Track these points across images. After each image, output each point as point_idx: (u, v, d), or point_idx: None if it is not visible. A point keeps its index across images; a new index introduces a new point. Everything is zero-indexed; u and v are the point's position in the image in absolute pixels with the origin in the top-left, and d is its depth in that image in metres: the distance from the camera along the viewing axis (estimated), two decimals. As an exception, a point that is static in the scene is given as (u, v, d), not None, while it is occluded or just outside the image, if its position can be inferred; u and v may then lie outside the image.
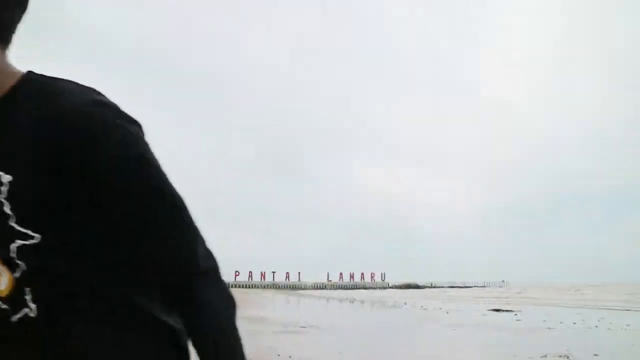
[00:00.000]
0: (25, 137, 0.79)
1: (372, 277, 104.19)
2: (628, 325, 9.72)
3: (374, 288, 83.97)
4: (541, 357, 5.94)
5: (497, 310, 14.74)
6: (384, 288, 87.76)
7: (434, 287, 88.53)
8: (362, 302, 26.02)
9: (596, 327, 9.67)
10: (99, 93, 0.85)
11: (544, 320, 11.06)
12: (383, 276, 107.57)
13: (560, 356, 5.98)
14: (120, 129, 0.81)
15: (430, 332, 9.49)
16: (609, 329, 9.26)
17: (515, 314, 13.23)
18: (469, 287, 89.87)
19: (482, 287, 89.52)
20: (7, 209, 0.78)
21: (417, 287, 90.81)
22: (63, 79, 0.84)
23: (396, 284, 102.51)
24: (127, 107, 0.86)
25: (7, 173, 0.78)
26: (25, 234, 0.80)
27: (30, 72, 0.83)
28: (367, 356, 6.35)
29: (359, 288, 77.84)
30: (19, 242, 0.79)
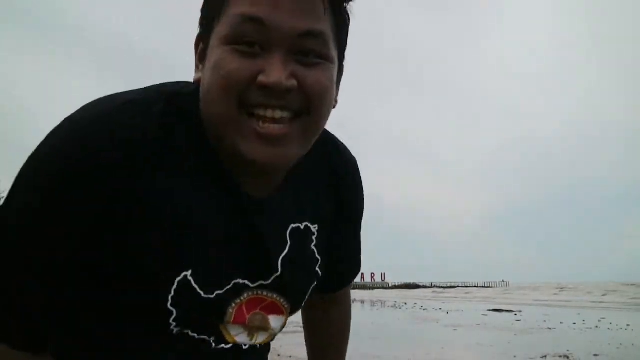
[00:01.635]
0: (324, 190, 0.95)
1: (372, 277, 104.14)
2: (628, 325, 9.72)
3: (374, 288, 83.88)
4: (541, 357, 5.93)
5: (497, 310, 14.74)
6: (384, 288, 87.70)
7: (434, 287, 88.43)
8: (362, 302, 26.02)
9: (596, 327, 9.66)
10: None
11: (544, 320, 11.06)
12: (383, 276, 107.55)
13: (560, 356, 5.98)
14: (363, 191, 1.06)
15: (431, 332, 9.49)
16: (609, 329, 9.26)
17: (515, 314, 13.23)
18: (469, 287, 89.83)
19: (482, 287, 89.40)
20: (317, 254, 0.93)
21: (417, 287, 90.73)
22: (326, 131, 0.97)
23: (396, 284, 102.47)
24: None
25: (313, 224, 0.92)
26: (318, 273, 0.94)
27: None
28: (367, 356, 6.34)
29: (359, 288, 77.75)
30: (315, 283, 0.94)
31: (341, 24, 0.79)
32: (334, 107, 0.82)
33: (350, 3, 0.80)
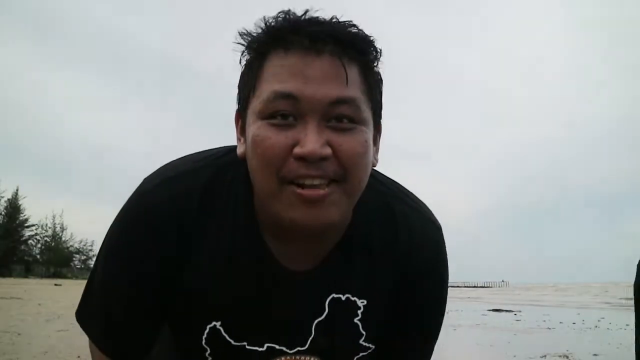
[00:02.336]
0: (386, 266, 0.92)
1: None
2: (628, 325, 9.71)
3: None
4: (541, 357, 5.94)
5: (497, 310, 14.73)
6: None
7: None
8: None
9: (596, 327, 9.67)
10: (430, 220, 0.97)
11: (544, 320, 11.07)
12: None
13: (560, 356, 5.98)
14: (443, 266, 0.96)
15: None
16: (608, 329, 9.27)
17: (515, 314, 13.23)
18: (468, 287, 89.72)
19: (482, 287, 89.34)
20: (361, 329, 0.92)
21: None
22: (400, 203, 0.94)
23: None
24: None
25: (361, 298, 0.91)
26: (367, 347, 0.94)
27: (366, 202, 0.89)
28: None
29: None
30: (361, 354, 0.95)
31: (373, 84, 0.81)
32: (374, 166, 0.85)
33: (380, 61, 0.82)
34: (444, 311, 1.01)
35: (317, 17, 0.79)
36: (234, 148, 0.89)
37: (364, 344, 0.93)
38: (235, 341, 0.89)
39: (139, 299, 0.88)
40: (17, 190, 54.87)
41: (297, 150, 0.74)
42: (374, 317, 0.92)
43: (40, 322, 7.99)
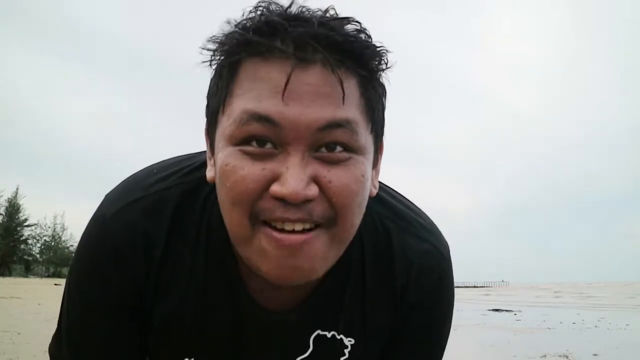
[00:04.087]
0: (380, 301, 0.80)
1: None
2: (628, 325, 9.70)
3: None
4: (540, 356, 5.93)
5: (497, 310, 14.72)
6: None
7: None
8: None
9: (596, 327, 9.66)
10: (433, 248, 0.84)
11: (544, 320, 11.05)
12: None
13: (560, 356, 5.97)
14: (446, 301, 0.85)
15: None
16: (608, 329, 9.25)
17: (515, 314, 13.22)
18: (468, 287, 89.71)
19: (482, 287, 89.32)
20: None
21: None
22: (395, 231, 0.81)
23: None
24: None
25: (348, 337, 0.80)
26: None
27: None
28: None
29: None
30: None
31: (375, 100, 0.65)
32: (372, 196, 0.71)
33: (385, 72, 0.66)
34: (446, 343, 0.89)
35: (306, 12, 0.62)
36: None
37: None
38: None
39: (110, 339, 0.78)
40: (17, 189, 54.87)
41: (276, 188, 0.59)
42: (361, 356, 0.82)
43: (40, 322, 7.98)
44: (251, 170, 0.60)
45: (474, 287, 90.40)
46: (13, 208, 54.07)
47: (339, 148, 0.61)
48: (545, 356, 5.94)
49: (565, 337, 8.00)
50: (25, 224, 55.86)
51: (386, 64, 0.65)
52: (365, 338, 0.81)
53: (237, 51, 0.61)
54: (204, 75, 0.71)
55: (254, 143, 0.61)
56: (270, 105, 0.59)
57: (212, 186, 0.72)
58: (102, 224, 0.75)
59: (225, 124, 0.63)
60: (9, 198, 53.94)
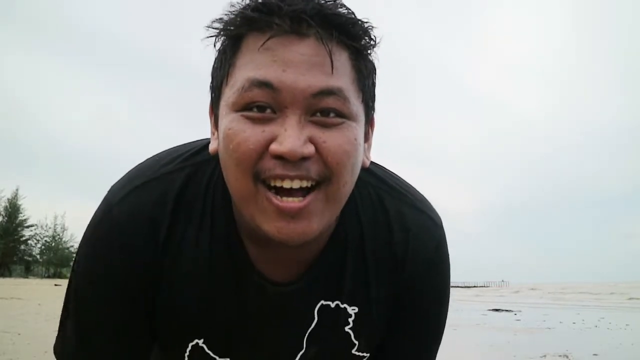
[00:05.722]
0: (379, 270, 0.83)
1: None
2: (628, 325, 9.71)
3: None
4: (541, 356, 5.93)
5: (497, 310, 14.72)
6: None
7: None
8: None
9: (596, 327, 9.66)
10: (429, 217, 0.87)
11: (544, 320, 11.05)
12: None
13: (560, 356, 5.97)
14: (443, 268, 0.87)
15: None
16: (608, 329, 9.25)
17: (515, 314, 13.22)
18: (468, 287, 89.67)
19: (482, 287, 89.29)
20: (352, 338, 0.84)
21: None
22: (392, 198, 0.85)
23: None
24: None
25: (351, 305, 0.82)
26: (360, 356, 0.86)
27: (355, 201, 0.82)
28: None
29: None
30: None
31: (365, 73, 0.71)
32: (365, 167, 0.76)
33: (375, 49, 0.72)
34: (446, 316, 0.92)
35: None
36: (208, 143, 0.80)
37: (357, 353, 0.86)
38: (220, 357, 0.83)
39: (121, 328, 0.79)
40: (17, 190, 54.86)
41: (275, 147, 0.65)
42: (366, 325, 0.84)
43: (41, 323, 7.97)
44: (252, 133, 0.66)
45: (474, 287, 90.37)
46: (13, 208, 54.08)
47: (332, 114, 0.67)
48: (545, 356, 5.94)
49: (565, 337, 8.00)
50: (26, 224, 55.90)
51: (374, 40, 0.71)
52: (369, 306, 0.83)
53: (239, 27, 0.68)
54: (204, 74, 0.78)
55: (255, 109, 0.66)
56: (269, 72, 0.65)
57: (214, 167, 0.79)
58: (108, 212, 0.77)
59: (229, 94, 0.68)
60: (8, 198, 54.02)
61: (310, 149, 0.66)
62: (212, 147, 0.76)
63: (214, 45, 0.73)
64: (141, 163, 0.83)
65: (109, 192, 0.80)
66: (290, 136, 0.64)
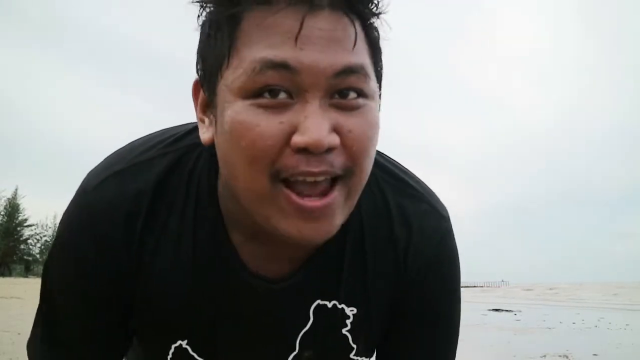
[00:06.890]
0: (380, 268, 0.77)
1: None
2: (628, 325, 9.71)
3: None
4: (541, 356, 5.93)
5: (497, 310, 14.72)
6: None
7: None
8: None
9: (596, 327, 9.66)
10: (442, 218, 0.82)
11: (544, 320, 11.05)
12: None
13: (560, 356, 5.97)
14: (451, 263, 0.83)
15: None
16: (608, 328, 9.25)
17: (515, 314, 13.22)
18: (468, 287, 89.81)
19: (482, 287, 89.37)
20: (350, 341, 0.78)
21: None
22: (395, 195, 0.79)
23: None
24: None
25: (349, 306, 0.76)
26: None
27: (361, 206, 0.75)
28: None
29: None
30: None
31: (376, 46, 0.64)
32: None
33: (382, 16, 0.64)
34: (458, 319, 0.86)
35: None
36: (194, 128, 0.73)
37: (355, 358, 0.80)
38: (205, 359, 0.77)
39: (92, 327, 0.74)
40: (16, 189, 54.90)
41: (298, 139, 0.57)
42: (365, 327, 0.79)
43: (40, 322, 7.96)
44: (268, 126, 0.57)
45: (474, 287, 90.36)
46: (13, 208, 54.11)
47: (352, 94, 0.60)
48: (545, 356, 5.94)
49: (565, 337, 8.00)
50: (25, 224, 55.93)
51: (381, 7, 0.64)
52: (368, 307, 0.77)
53: (240, 1, 0.59)
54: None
55: (267, 94, 0.58)
56: (285, 52, 0.56)
57: (198, 154, 0.72)
58: (82, 199, 0.72)
59: (233, 77, 0.59)
60: (8, 198, 54.06)
61: (335, 139, 0.58)
62: (205, 136, 0.66)
63: (205, 16, 0.63)
64: (121, 148, 0.77)
65: (85, 178, 0.73)
66: (314, 124, 0.56)
